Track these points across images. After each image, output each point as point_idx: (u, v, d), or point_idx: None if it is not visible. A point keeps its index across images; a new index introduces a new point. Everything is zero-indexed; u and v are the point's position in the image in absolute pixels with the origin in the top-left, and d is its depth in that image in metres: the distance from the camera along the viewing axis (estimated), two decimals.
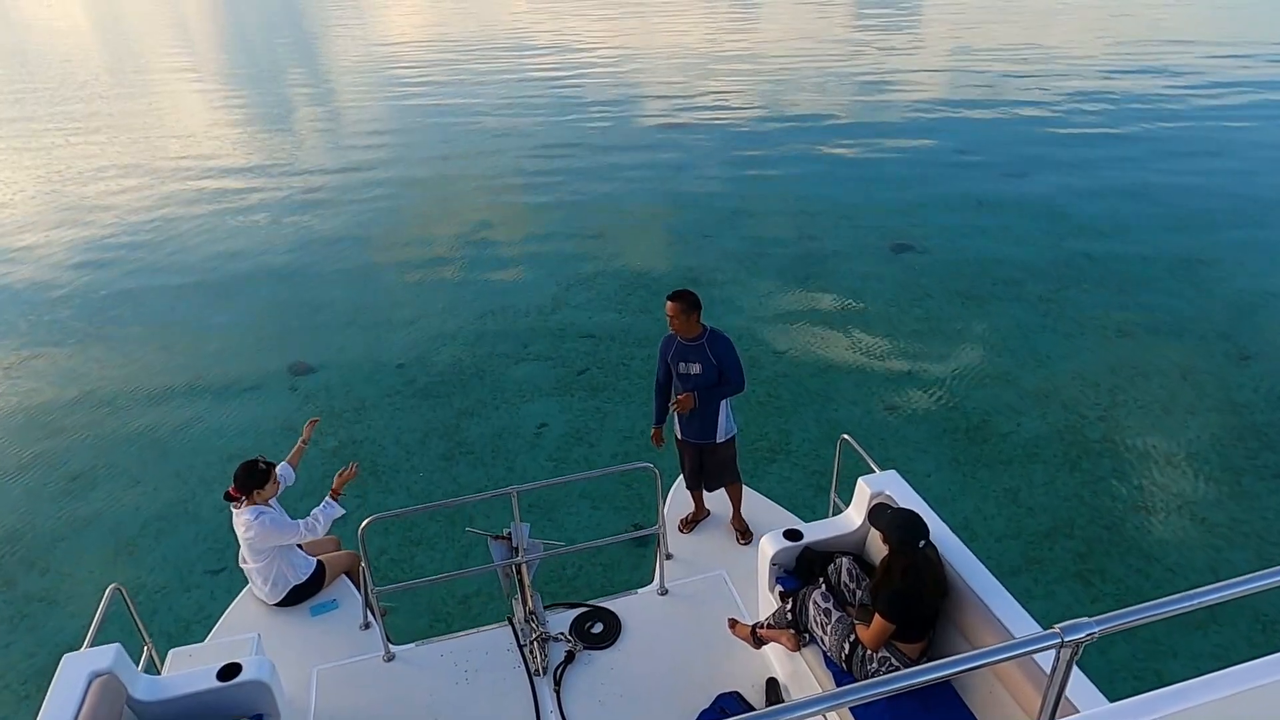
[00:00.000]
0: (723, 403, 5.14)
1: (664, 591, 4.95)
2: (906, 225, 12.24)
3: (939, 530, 4.07)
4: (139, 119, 22.40)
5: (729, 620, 4.58)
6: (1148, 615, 1.92)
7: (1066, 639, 1.87)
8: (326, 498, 4.87)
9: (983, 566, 3.86)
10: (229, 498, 4.67)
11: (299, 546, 4.92)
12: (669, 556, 5.21)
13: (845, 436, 4.83)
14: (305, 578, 4.86)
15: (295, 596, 4.86)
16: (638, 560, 6.31)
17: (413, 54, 28.64)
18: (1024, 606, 3.54)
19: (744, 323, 9.70)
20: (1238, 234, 11.48)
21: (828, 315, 10.00)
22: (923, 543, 3.69)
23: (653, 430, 5.32)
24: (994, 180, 13.90)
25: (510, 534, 4.54)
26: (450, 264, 11.72)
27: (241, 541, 4.71)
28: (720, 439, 5.21)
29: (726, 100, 20.23)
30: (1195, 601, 1.95)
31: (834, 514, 4.78)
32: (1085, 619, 1.88)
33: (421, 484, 7.37)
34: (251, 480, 4.62)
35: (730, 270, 11.01)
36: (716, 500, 5.64)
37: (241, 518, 4.65)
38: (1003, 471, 7.24)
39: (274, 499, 4.77)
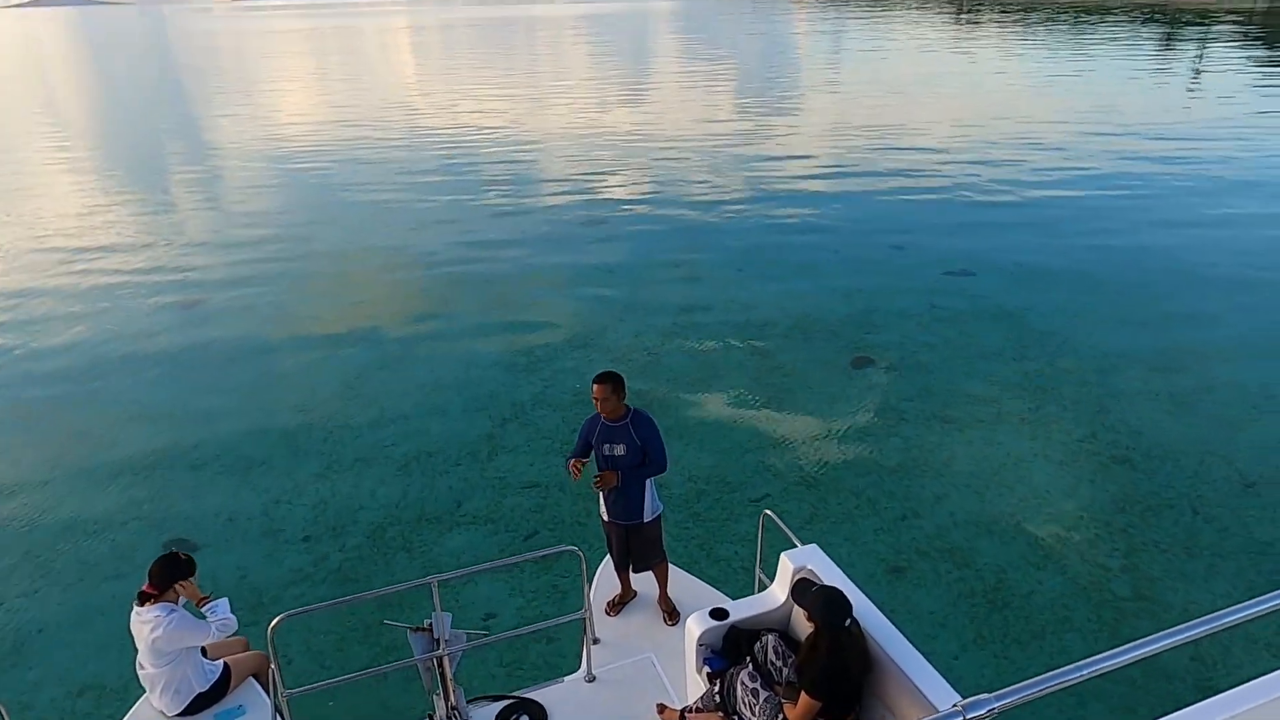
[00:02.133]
0: (648, 481, 5.22)
1: (591, 678, 4.91)
2: (860, 335, 11.51)
3: (861, 604, 4.11)
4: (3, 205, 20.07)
5: (657, 706, 4.55)
6: (1049, 686, 1.94)
7: (968, 715, 1.86)
8: (212, 599, 4.59)
9: (905, 640, 3.92)
10: (144, 596, 4.41)
11: (202, 650, 4.64)
12: (596, 641, 5.17)
13: (767, 512, 4.96)
14: (210, 684, 4.60)
15: (199, 704, 4.57)
16: (564, 646, 6.16)
17: (302, 135, 27.29)
18: (946, 678, 3.64)
19: (667, 400, 9.43)
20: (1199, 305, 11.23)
21: (752, 395, 9.40)
22: (848, 620, 3.77)
23: (571, 461, 5.09)
24: (940, 280, 13.43)
25: (431, 625, 4.38)
26: (361, 393, 10.22)
27: (143, 645, 4.42)
28: (647, 518, 5.27)
29: (634, 186, 19.62)
30: (1096, 668, 1.98)
31: (759, 590, 4.83)
32: (986, 695, 1.89)
33: (336, 577, 6.98)
34: (174, 572, 4.42)
35: (671, 369, 9.97)
36: (643, 580, 5.61)
37: (148, 615, 4.37)
38: (924, 554, 7.33)
39: (182, 600, 4.53)
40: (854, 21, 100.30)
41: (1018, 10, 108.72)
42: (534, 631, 5.26)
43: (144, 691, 4.63)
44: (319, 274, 14.78)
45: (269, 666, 4.53)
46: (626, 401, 5.12)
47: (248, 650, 5.06)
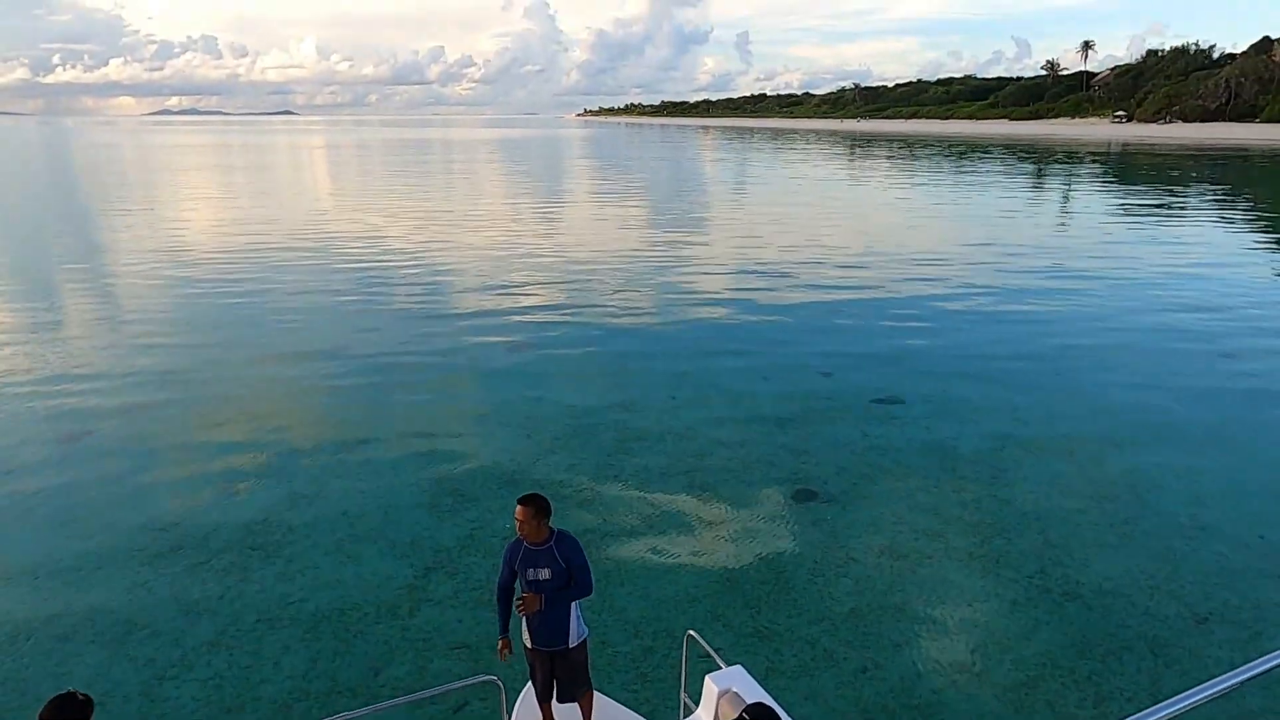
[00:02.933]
0: (573, 605, 5.11)
1: None
2: (799, 466, 11.27)
3: None
4: None
5: None
6: None
7: None
8: None
9: None
10: None
11: None
12: None
13: (691, 632, 4.91)
14: None
15: None
16: None
17: (205, 250, 26.25)
18: None
19: (603, 537, 9.06)
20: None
21: (693, 533, 8.92)
22: None
23: (499, 641, 5.10)
24: (869, 408, 13.46)
25: None
26: (265, 539, 9.18)
27: None
28: (573, 643, 5.14)
29: (556, 308, 19.44)
30: None
31: (684, 715, 4.77)
32: None
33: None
34: (68, 715, 3.79)
35: (606, 505, 9.37)
36: (566, 710, 5.35)
37: None
38: (892, 714, 6.85)
39: None
40: (758, 151, 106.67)
41: (904, 146, 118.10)
42: None
43: None
44: (220, 400, 13.71)
45: None
46: (551, 524, 5.08)
47: None
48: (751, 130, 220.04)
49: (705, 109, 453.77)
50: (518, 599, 4.92)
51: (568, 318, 19.49)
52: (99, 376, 14.94)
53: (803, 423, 12.81)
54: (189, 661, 7.28)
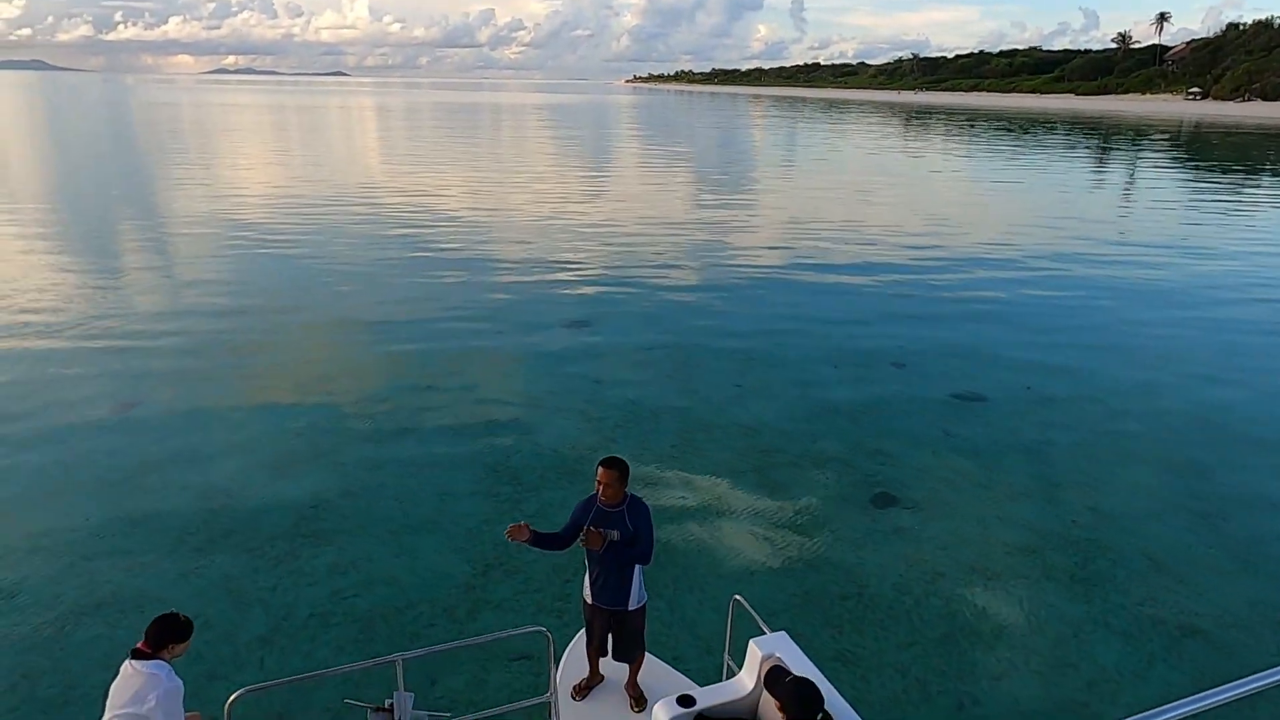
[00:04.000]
0: (637, 570, 5.25)
1: None
2: (876, 467, 10.55)
3: (830, 696, 4.12)
4: None
5: None
6: None
7: None
8: None
9: None
10: (137, 654, 4.22)
11: None
12: None
13: (737, 597, 5.03)
14: None
15: None
16: None
17: (260, 211, 26.14)
18: None
19: (669, 541, 8.52)
20: None
21: (767, 541, 8.07)
22: (819, 715, 3.82)
23: (524, 526, 5.05)
24: (949, 405, 12.64)
25: (393, 705, 4.33)
26: (317, 528, 8.79)
27: (123, 698, 4.12)
28: (632, 606, 5.29)
29: (615, 285, 18.79)
30: None
31: (727, 677, 4.83)
32: None
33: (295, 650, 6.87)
34: (170, 633, 4.28)
35: (672, 502, 8.80)
36: (611, 663, 5.53)
37: (144, 669, 4.15)
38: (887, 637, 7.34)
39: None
40: (813, 122, 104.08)
41: (966, 120, 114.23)
42: (498, 714, 5.17)
43: None
44: (270, 371, 13.39)
45: None
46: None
47: None
48: (805, 100, 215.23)
49: (757, 77, 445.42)
50: (584, 532, 5.06)
51: (625, 292, 18.85)
52: (150, 341, 14.75)
53: (877, 417, 12.05)
54: (240, 660, 6.92)
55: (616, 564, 5.15)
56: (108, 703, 4.24)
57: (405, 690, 4.37)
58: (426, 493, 9.63)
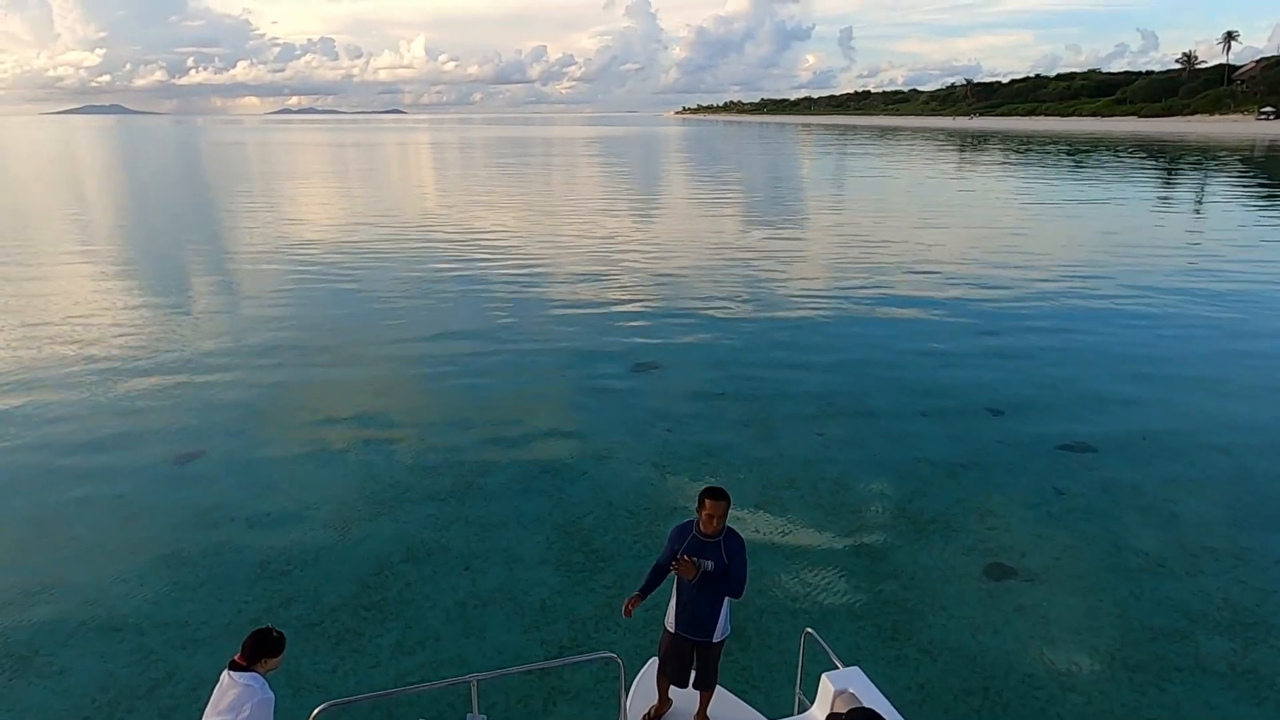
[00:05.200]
0: (726, 601, 5.21)
1: None
2: (984, 531, 9.54)
3: None
4: (26, 298, 18.72)
5: None
6: None
7: None
8: None
9: None
10: (235, 666, 4.43)
11: None
12: None
13: (809, 630, 5.01)
14: None
15: None
16: None
17: (325, 248, 26.23)
18: None
19: (754, 608, 7.59)
20: None
21: (868, 619, 7.20)
22: None
23: (632, 597, 5.17)
24: (1056, 458, 11.56)
25: None
26: (381, 599, 8.17)
27: (219, 710, 4.32)
28: (716, 638, 5.24)
29: (677, 319, 18.05)
30: None
31: (799, 711, 4.89)
32: None
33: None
34: (263, 648, 4.47)
35: (756, 566, 7.92)
36: (681, 694, 5.47)
37: (242, 680, 4.37)
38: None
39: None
40: (867, 151, 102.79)
41: (1025, 145, 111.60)
42: None
43: None
44: (333, 422, 12.93)
45: None
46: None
47: None
48: (857, 128, 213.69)
49: (806, 107, 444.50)
50: (675, 561, 5.05)
51: (689, 329, 18.12)
52: (212, 385, 14.49)
53: (978, 473, 11.02)
54: None
55: (707, 595, 5.13)
56: (207, 708, 4.48)
57: (479, 713, 4.44)
58: (494, 559, 8.94)
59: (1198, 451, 11.69)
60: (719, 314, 19.67)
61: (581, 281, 23.42)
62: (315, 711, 4.18)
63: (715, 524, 5.07)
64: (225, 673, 4.52)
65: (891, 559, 8.93)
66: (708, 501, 5.08)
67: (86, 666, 7.25)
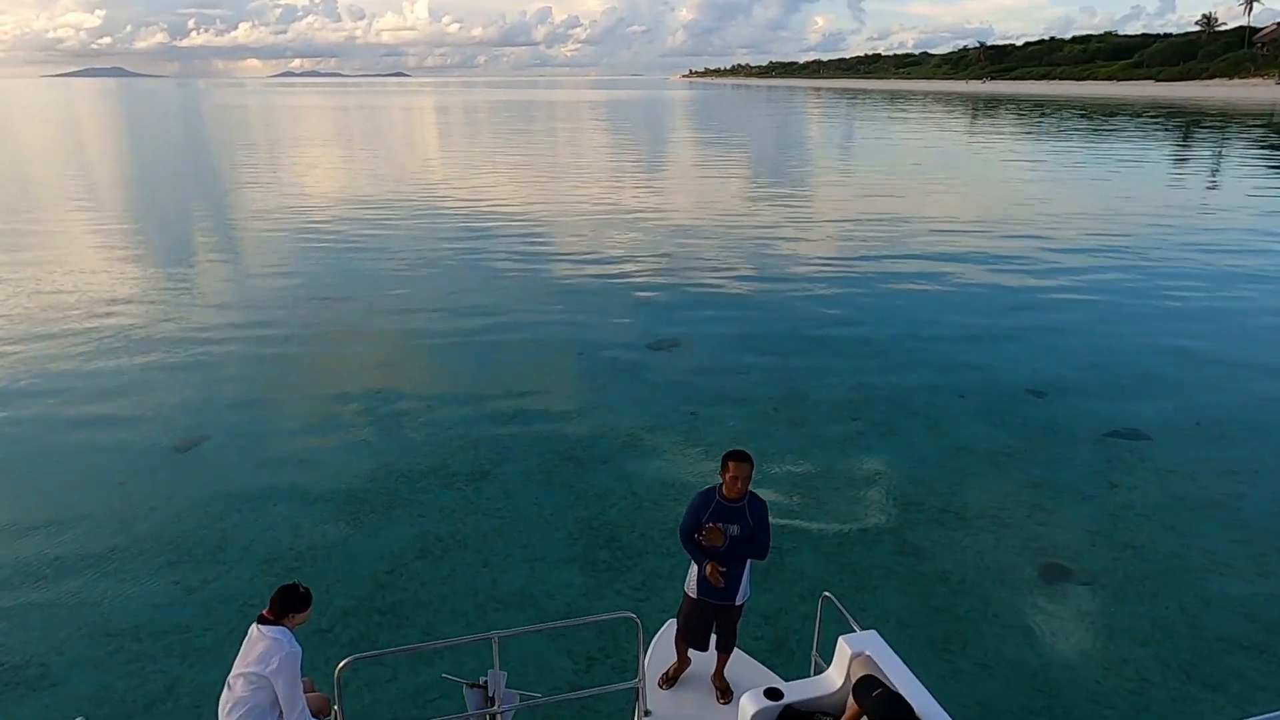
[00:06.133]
0: (749, 564, 5.24)
1: None
2: (1036, 529, 8.95)
3: (920, 699, 4.07)
4: (29, 268, 18.17)
5: None
6: None
7: None
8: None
9: None
10: (263, 620, 4.56)
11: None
12: (648, 713, 5.08)
13: (827, 594, 5.03)
14: None
15: None
16: (615, 714, 6.02)
17: (331, 217, 25.55)
18: None
19: (771, 607, 7.51)
20: None
21: (917, 626, 6.98)
22: None
23: (708, 566, 5.02)
24: (1107, 446, 10.93)
25: (486, 682, 4.48)
26: (392, 595, 7.64)
27: (248, 660, 4.49)
28: (739, 601, 5.26)
29: (702, 300, 17.38)
30: None
31: (815, 673, 4.82)
32: None
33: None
34: (291, 604, 4.59)
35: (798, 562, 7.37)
36: (698, 655, 5.52)
37: (270, 633, 4.50)
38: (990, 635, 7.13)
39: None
40: (881, 115, 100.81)
41: (1049, 109, 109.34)
42: (586, 696, 5.09)
43: None
44: (343, 405, 12.34)
45: (332, 709, 4.71)
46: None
47: (312, 691, 5.07)
48: (867, 91, 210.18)
49: (815, 70, 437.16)
50: (702, 530, 5.03)
51: (712, 304, 17.43)
52: (216, 361, 13.91)
53: (1024, 462, 10.40)
54: None
55: (731, 559, 5.10)
56: (236, 660, 4.57)
57: (499, 670, 4.50)
58: (514, 557, 8.38)
59: (1256, 438, 11.05)
60: (739, 287, 18.97)
61: (594, 252, 22.67)
62: (341, 665, 4.24)
63: (740, 487, 5.01)
64: (254, 626, 4.61)
65: (938, 559, 8.35)
66: (731, 464, 5.00)
67: (80, 678, 6.75)
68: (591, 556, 8.41)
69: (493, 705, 4.40)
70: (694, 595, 5.30)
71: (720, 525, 5.02)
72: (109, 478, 9.99)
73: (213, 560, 8.29)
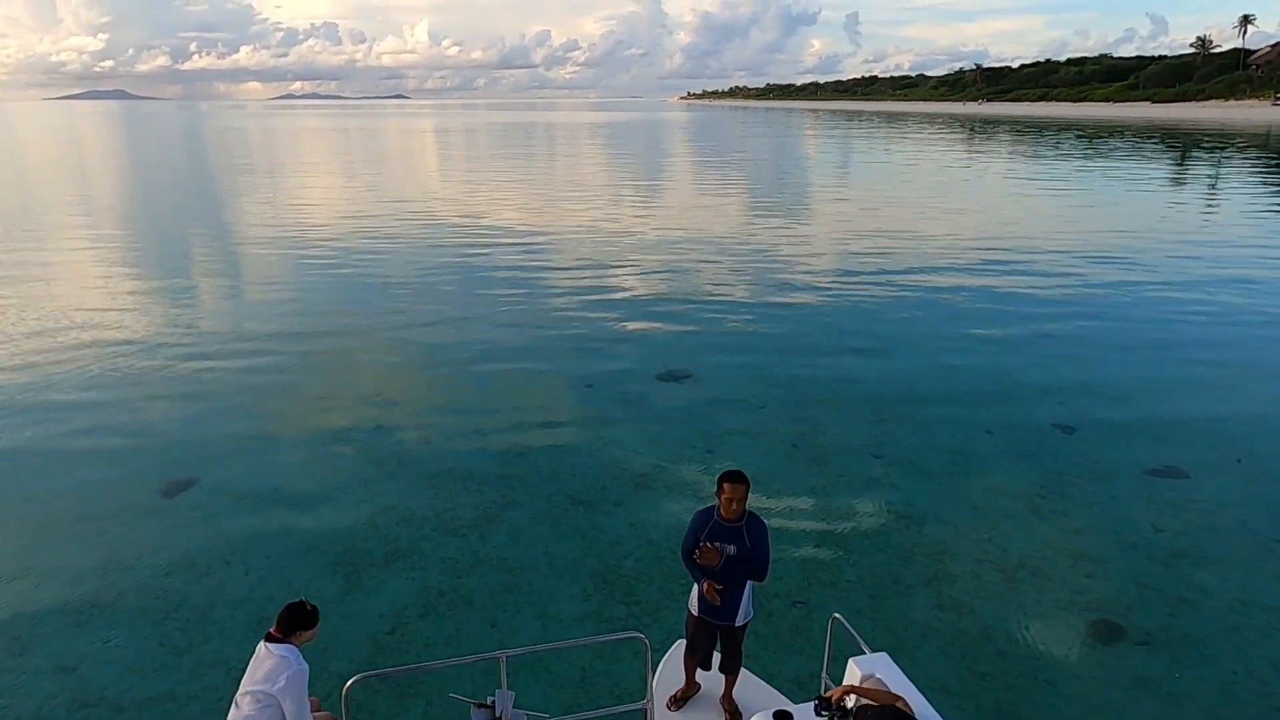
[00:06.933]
0: (748, 586, 5.23)
1: None
2: (1080, 580, 8.38)
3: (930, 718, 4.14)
4: (31, 288, 17.86)
5: None
6: None
7: None
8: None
9: None
10: (270, 638, 4.60)
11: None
12: None
13: (837, 615, 5.06)
14: None
15: None
16: None
17: (331, 241, 25.12)
18: None
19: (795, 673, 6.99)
20: None
21: (868, 555, 7.09)
22: None
23: (705, 584, 5.08)
24: (1148, 485, 10.38)
25: (494, 702, 4.44)
26: (400, 641, 7.06)
27: (255, 678, 4.53)
28: (739, 622, 5.27)
29: (717, 320, 16.89)
30: None
31: None
32: None
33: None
34: (298, 621, 4.64)
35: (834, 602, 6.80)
36: (707, 677, 5.55)
37: (278, 651, 4.54)
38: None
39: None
40: (878, 136, 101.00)
41: (1025, 129, 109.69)
42: (594, 718, 5.15)
43: None
44: (339, 443, 11.78)
45: None
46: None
47: (319, 710, 5.05)
48: (864, 113, 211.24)
49: (813, 92, 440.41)
50: (698, 549, 5.04)
51: (721, 331, 16.92)
52: (208, 396, 13.36)
53: (1061, 505, 9.84)
54: None
55: (729, 579, 5.11)
56: (244, 679, 4.59)
57: (507, 689, 4.49)
58: (524, 614, 7.80)
59: None
60: (749, 313, 18.48)
61: (598, 277, 22.20)
62: (349, 683, 4.24)
63: (735, 508, 5.06)
64: (261, 644, 4.64)
65: (980, 616, 7.78)
66: (726, 485, 5.05)
67: None
68: (607, 613, 7.84)
69: None
70: (695, 613, 5.37)
71: (716, 545, 5.05)
72: (91, 525, 9.40)
73: (201, 619, 7.70)
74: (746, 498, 5.12)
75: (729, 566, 5.09)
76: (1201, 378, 14.23)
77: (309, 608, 4.71)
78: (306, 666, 4.61)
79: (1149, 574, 8.45)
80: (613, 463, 10.98)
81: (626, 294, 20.29)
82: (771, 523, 9.18)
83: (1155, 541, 9.04)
